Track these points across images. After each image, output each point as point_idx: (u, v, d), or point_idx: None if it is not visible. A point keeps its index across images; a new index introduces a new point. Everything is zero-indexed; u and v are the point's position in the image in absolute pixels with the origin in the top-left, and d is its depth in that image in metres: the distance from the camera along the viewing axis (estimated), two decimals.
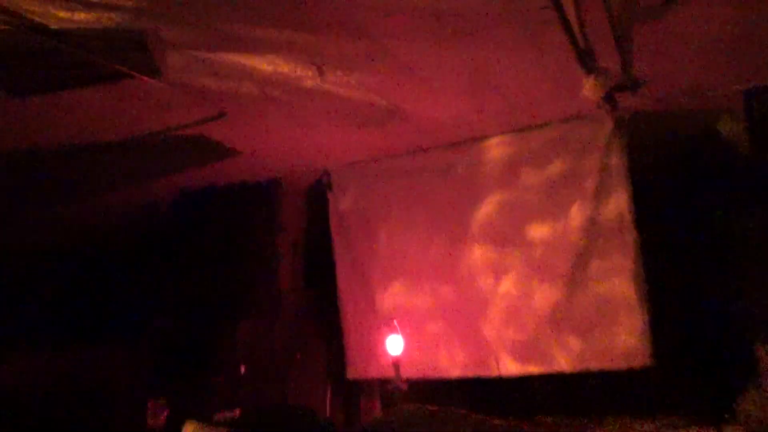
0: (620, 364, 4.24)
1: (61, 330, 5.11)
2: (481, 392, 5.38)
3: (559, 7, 2.48)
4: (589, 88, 3.41)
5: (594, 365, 4.35)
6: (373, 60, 3.00)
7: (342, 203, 5.08)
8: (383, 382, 5.13)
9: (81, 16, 2.41)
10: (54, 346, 4.73)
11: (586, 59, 2.96)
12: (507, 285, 4.60)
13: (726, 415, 4.41)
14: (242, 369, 4.53)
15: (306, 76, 3.11)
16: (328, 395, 5.21)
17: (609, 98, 3.83)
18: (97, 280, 5.47)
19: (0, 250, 5.10)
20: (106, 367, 4.65)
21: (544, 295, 4.48)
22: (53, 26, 2.46)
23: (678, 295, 4.93)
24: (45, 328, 5.09)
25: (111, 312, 5.19)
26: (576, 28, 2.71)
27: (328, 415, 5.12)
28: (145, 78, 2.97)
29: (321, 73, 3.08)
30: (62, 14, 2.38)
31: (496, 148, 4.60)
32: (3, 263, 5.11)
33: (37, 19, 2.40)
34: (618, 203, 4.29)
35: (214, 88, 3.20)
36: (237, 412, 4.42)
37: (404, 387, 4.54)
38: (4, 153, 3.82)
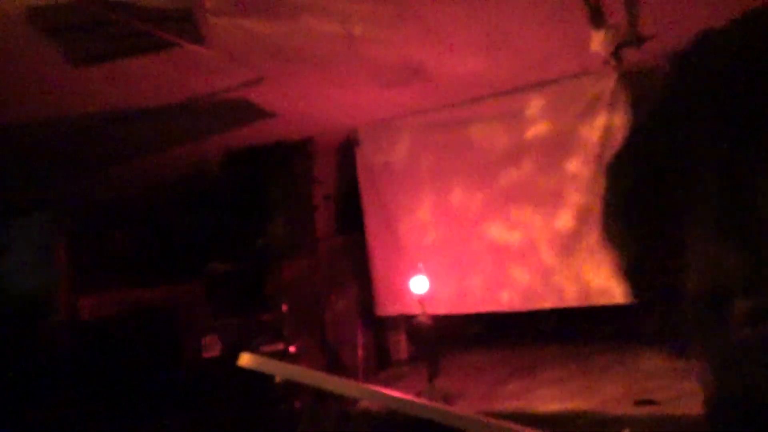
0: (620, 299, 4.25)
1: (131, 271, 5.26)
2: (496, 323, 5.45)
3: None
4: (599, 43, 3.30)
5: (599, 300, 4.36)
6: (399, 21, 2.93)
7: (369, 158, 5.07)
8: (409, 318, 5.20)
9: None
10: (125, 285, 4.89)
11: (597, 15, 2.85)
12: (518, 232, 4.60)
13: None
14: (284, 307, 4.61)
15: (338, 38, 3.06)
16: (360, 330, 5.30)
17: (616, 54, 3.71)
18: (159, 229, 5.58)
19: (79, 203, 5.24)
20: (170, 305, 4.79)
21: (552, 239, 4.47)
22: None
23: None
24: (118, 269, 5.25)
25: (172, 255, 5.30)
26: None
27: (360, 348, 5.22)
28: (191, 45, 2.94)
29: (351, 35, 3.02)
30: None
31: (510, 103, 4.52)
32: (84, 214, 5.26)
33: None
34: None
35: (253, 53, 3.16)
36: (281, 345, 4.53)
37: (429, 322, 4.60)
38: (67, 118, 3.86)
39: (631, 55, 3.74)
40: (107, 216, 5.67)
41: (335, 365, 4.98)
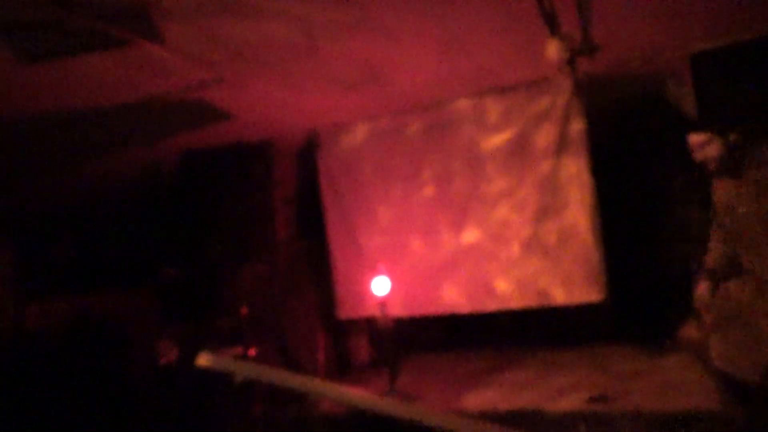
0: (579, 299, 4.37)
1: (81, 278, 5.12)
2: (456, 326, 5.54)
3: None
4: (553, 50, 3.41)
5: (556, 301, 4.47)
6: (359, 26, 2.97)
7: (330, 161, 5.07)
8: (370, 321, 5.22)
9: None
10: (74, 292, 4.74)
11: (552, 22, 2.96)
12: (477, 234, 4.67)
13: (668, 342, 4.59)
14: (244, 310, 4.55)
15: (298, 41, 3.07)
16: (321, 334, 5.29)
17: (570, 62, 3.84)
18: (111, 233, 5.45)
19: (26, 207, 5.06)
20: (120, 311, 4.67)
21: (511, 241, 4.56)
22: None
23: (628, 239, 5.06)
24: (66, 275, 5.09)
25: (124, 261, 5.18)
26: None
27: (320, 352, 5.20)
28: (148, 44, 2.90)
29: (311, 38, 3.04)
30: None
31: (467, 110, 4.60)
32: (30, 219, 5.09)
33: None
34: (577, 161, 4.34)
35: (212, 54, 3.14)
36: (239, 349, 4.47)
37: (390, 325, 4.62)
38: (16, 118, 3.73)
39: (584, 64, 3.88)
40: (56, 220, 5.50)
41: (295, 370, 4.95)
